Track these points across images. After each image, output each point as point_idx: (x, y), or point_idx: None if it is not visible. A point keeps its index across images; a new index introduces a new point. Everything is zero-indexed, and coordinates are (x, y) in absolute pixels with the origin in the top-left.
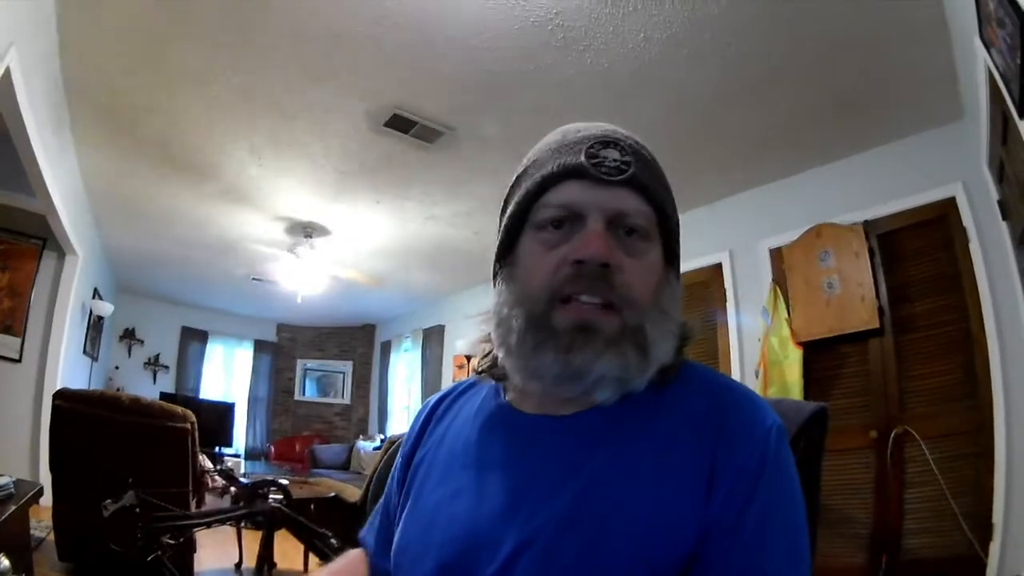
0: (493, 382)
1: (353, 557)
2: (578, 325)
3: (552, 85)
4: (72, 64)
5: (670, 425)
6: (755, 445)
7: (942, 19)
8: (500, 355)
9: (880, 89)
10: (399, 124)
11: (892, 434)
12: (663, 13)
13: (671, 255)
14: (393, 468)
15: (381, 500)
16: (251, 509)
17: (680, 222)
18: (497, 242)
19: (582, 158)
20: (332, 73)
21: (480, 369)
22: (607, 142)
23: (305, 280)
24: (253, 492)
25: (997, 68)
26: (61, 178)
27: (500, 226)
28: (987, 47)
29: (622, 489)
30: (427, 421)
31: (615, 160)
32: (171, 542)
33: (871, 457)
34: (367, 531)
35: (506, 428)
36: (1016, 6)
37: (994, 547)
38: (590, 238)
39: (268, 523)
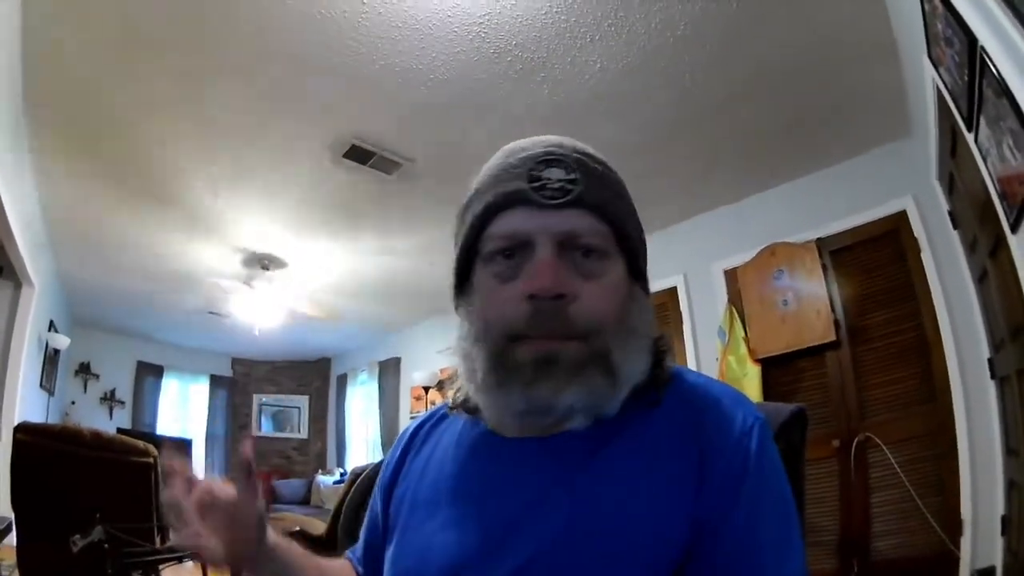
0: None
1: (345, 563)
2: (539, 358)
3: (510, 116)
4: (34, 84)
5: (655, 431)
6: (739, 441)
7: (890, 40)
8: (470, 390)
9: (831, 110)
10: (358, 155)
11: (854, 442)
12: (620, 43)
13: (636, 270)
14: (372, 498)
15: (364, 526)
16: None
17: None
18: (452, 274)
19: (524, 183)
20: (293, 104)
21: (453, 404)
22: (550, 161)
23: (262, 313)
24: None
25: (945, 85)
26: (18, 204)
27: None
28: (935, 65)
29: (615, 502)
30: (406, 451)
31: (559, 180)
32: None
33: (835, 465)
34: (350, 553)
35: (491, 454)
36: (964, 26)
37: (965, 541)
38: (539, 269)
39: None
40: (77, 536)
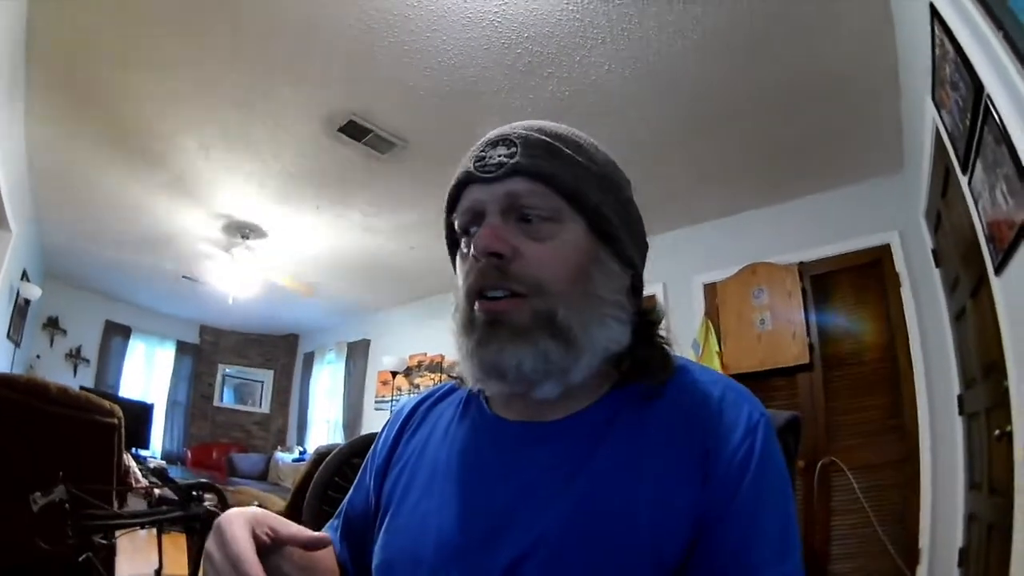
0: (469, 388)
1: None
2: (487, 319)
3: (511, 108)
4: (36, 31)
5: (661, 422)
6: (745, 435)
7: (895, 77)
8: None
9: (827, 138)
10: (353, 131)
11: (819, 464)
12: (630, 48)
13: (601, 233)
14: (361, 473)
15: (343, 503)
16: (187, 512)
17: (622, 201)
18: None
19: (471, 165)
20: (297, 73)
21: (454, 374)
22: (496, 142)
23: (237, 282)
24: (188, 494)
25: (945, 127)
26: (5, 149)
27: None
28: (937, 107)
29: (621, 491)
30: (402, 428)
31: (499, 156)
32: (103, 542)
33: (799, 486)
34: (328, 530)
35: (492, 437)
36: (973, 73)
37: (922, 570)
38: (480, 232)
39: (203, 527)
40: (38, 494)
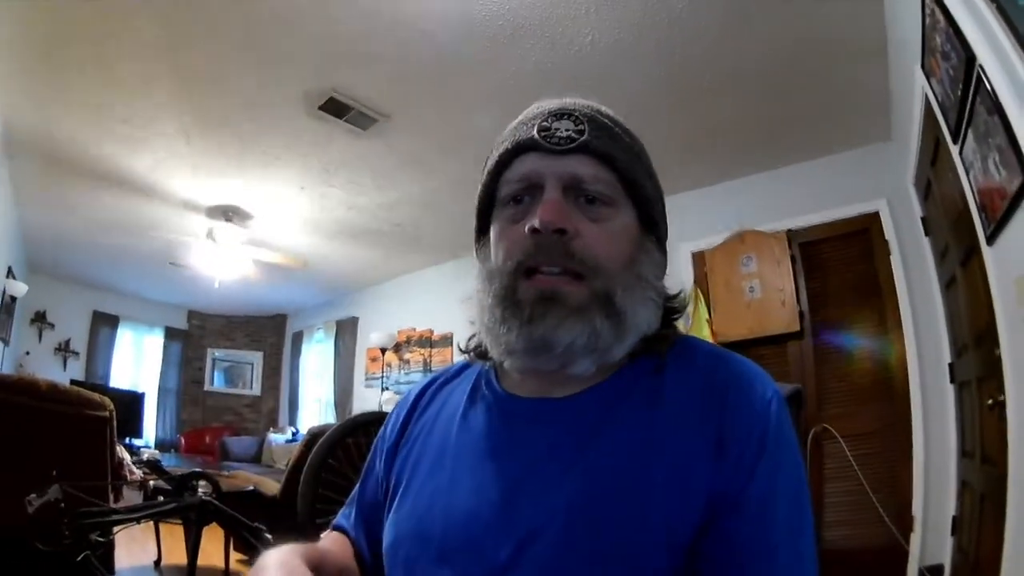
0: (481, 364)
1: (337, 537)
2: (540, 296)
3: (494, 80)
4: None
5: (673, 400)
6: (759, 414)
7: (882, 46)
8: (480, 333)
9: (815, 106)
10: (334, 108)
11: (811, 432)
12: (613, 17)
13: (650, 222)
14: (371, 458)
15: (355, 490)
16: (181, 503)
17: (658, 189)
18: (475, 220)
19: (534, 132)
20: (274, 51)
21: (467, 348)
22: (561, 114)
23: (223, 265)
24: (182, 485)
25: (936, 96)
26: None
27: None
28: (927, 76)
29: (633, 467)
30: (412, 409)
31: (567, 130)
32: (100, 540)
33: None
34: (342, 518)
35: (502, 414)
36: (965, 43)
37: (915, 538)
38: (543, 206)
39: (199, 517)
40: (33, 496)
